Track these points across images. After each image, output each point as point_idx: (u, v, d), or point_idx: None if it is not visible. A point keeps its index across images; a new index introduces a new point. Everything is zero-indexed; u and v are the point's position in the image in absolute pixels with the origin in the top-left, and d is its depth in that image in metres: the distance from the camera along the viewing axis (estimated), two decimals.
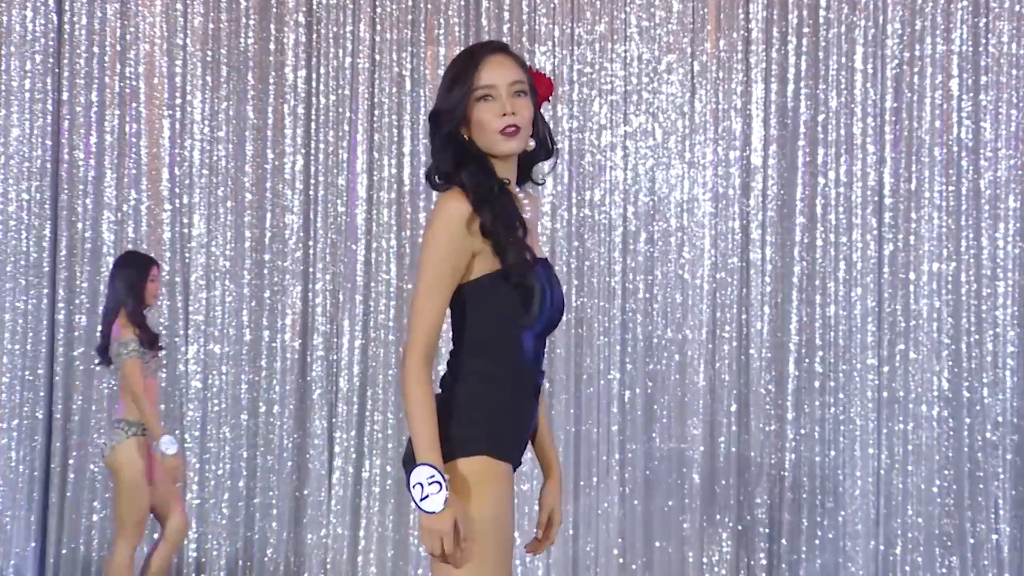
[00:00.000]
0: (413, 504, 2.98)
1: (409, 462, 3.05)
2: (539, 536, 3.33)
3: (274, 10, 8.06)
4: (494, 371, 3.11)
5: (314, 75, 8.07)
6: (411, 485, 2.95)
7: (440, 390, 3.13)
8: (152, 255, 7.01)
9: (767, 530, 7.76)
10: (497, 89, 3.13)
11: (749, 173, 7.89)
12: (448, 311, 3.10)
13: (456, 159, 3.14)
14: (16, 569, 7.86)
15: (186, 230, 8.04)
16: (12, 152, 8.02)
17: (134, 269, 6.37)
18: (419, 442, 2.99)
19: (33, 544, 7.92)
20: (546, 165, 3.28)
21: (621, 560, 7.82)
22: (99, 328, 6.56)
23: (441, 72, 7.93)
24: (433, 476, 2.94)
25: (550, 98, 3.29)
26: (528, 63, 8.34)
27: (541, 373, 3.23)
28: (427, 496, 2.94)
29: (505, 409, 3.12)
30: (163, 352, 6.67)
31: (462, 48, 8.02)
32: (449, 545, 2.96)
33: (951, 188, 7.78)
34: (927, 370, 7.71)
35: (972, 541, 7.62)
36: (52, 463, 7.97)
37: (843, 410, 7.73)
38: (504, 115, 3.12)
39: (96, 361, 6.68)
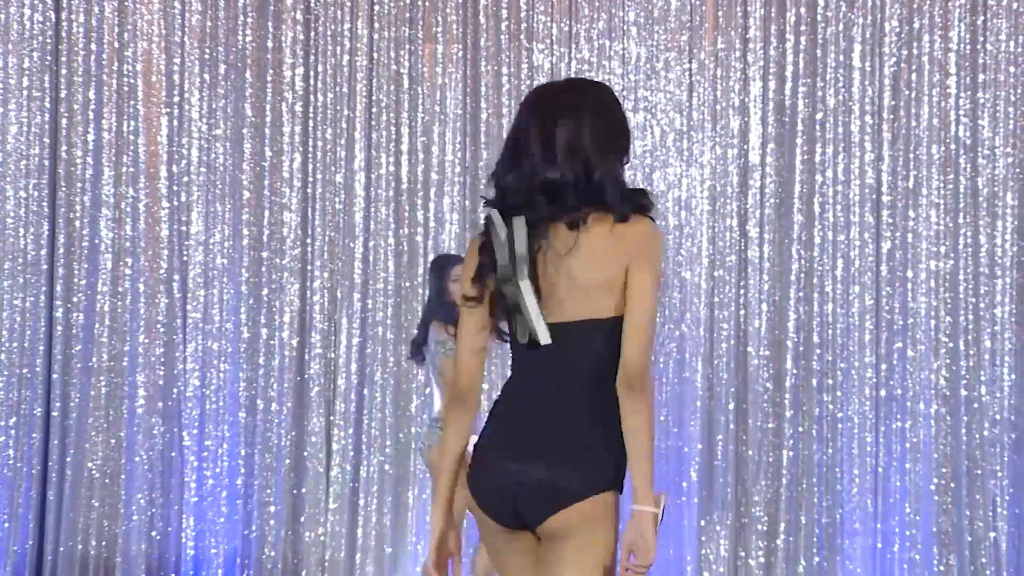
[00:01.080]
0: (656, 528, 2.96)
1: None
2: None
3: (272, 8, 8.05)
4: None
5: (312, 73, 8.06)
6: (663, 513, 2.97)
7: (589, 417, 3.05)
8: (453, 253, 7.24)
9: (765, 528, 7.76)
10: None
11: (747, 171, 7.89)
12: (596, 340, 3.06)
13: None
14: (14, 568, 7.86)
15: (184, 228, 8.04)
16: (10, 150, 8.01)
17: (434, 273, 6.58)
18: (651, 465, 2.96)
19: (31, 542, 7.92)
20: None
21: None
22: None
23: (440, 70, 7.96)
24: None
25: None
26: (525, 61, 8.32)
27: None
28: (663, 517, 3.00)
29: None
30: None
31: (460, 47, 8.05)
32: None
33: (949, 186, 7.78)
34: (925, 368, 7.71)
35: (970, 539, 7.61)
36: (50, 461, 7.97)
37: (841, 408, 7.73)
38: None
39: (405, 356, 6.91)
